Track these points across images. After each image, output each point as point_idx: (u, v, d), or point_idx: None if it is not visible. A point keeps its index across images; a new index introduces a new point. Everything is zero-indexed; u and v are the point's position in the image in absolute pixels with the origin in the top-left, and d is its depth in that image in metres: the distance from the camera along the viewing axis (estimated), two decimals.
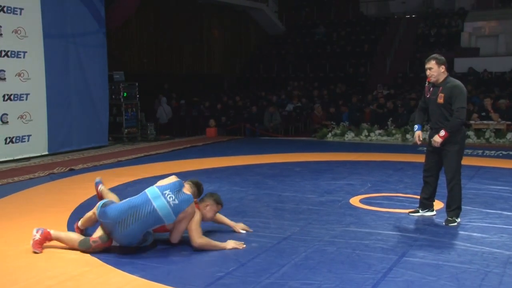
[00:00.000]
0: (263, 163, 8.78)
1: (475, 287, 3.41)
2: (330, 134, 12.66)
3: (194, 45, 18.52)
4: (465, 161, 8.83)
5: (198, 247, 4.13)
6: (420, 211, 5.30)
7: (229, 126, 14.30)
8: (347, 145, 11.59)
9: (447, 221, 4.97)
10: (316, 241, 4.42)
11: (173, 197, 4.11)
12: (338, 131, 12.68)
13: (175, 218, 4.08)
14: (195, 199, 4.28)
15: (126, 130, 12.08)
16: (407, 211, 5.45)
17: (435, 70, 4.93)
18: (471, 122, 12.12)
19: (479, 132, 11.72)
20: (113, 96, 11.92)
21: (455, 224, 4.92)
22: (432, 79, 4.96)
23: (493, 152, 10.06)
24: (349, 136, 12.44)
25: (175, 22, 17.41)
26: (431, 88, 5.04)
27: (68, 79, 10.37)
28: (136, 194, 4.35)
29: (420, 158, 8.93)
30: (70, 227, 4.80)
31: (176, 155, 10.09)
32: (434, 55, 5.08)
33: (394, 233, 4.68)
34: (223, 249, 4.18)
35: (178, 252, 4.16)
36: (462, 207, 5.12)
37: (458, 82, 4.98)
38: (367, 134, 12.36)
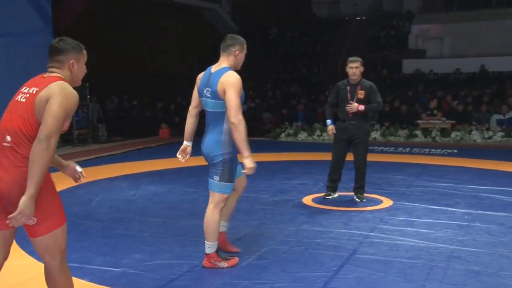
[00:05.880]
0: None
1: (421, 281, 3.54)
2: (283, 134, 12.78)
3: (147, 45, 18.26)
4: (414, 159, 9.21)
5: (237, 124, 3.56)
6: (332, 194, 6.10)
7: (183, 126, 14.17)
8: (300, 145, 11.73)
9: (361, 197, 5.91)
10: (270, 241, 4.46)
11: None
12: (291, 131, 12.82)
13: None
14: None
15: (76, 132, 11.78)
16: (358, 209, 5.59)
17: (360, 70, 5.75)
18: (419, 121, 12.54)
19: (425, 131, 12.14)
20: None
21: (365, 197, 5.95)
22: (356, 77, 5.75)
23: (439, 150, 10.45)
24: (302, 136, 12.60)
25: (127, 23, 17.11)
26: (348, 87, 5.81)
27: (13, 80, 9.95)
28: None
29: (372, 158, 9.19)
30: None
31: (128, 156, 9.93)
32: (357, 57, 5.85)
33: (345, 231, 4.77)
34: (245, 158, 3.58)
35: (129, 255, 4.09)
36: (410, 204, 5.72)
37: (371, 82, 5.94)
38: (319, 134, 12.56)
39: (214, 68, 3.79)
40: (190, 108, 4.03)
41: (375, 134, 12.33)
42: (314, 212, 5.51)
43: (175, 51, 19.68)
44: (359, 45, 19.44)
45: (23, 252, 4.05)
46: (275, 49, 20.38)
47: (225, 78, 3.62)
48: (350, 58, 5.83)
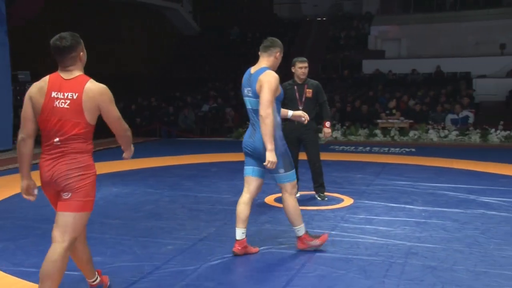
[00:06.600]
0: (180, 164, 8.71)
1: (381, 277, 3.62)
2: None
3: (108, 45, 17.92)
4: (373, 158, 9.40)
5: (264, 116, 3.82)
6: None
7: (144, 127, 14.02)
8: None
9: (322, 196, 6.03)
10: (232, 241, 4.43)
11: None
12: None
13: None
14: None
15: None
16: (320, 208, 5.67)
17: (307, 70, 5.92)
18: (378, 121, 12.81)
19: (385, 131, 12.42)
20: (18, 97, 11.25)
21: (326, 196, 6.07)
22: (305, 77, 5.92)
23: (397, 149, 10.70)
24: None
25: (86, 22, 16.73)
26: (295, 87, 5.92)
27: None
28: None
29: (333, 157, 9.35)
30: None
31: None
32: (303, 57, 6.02)
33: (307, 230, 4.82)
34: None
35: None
36: (370, 202, 5.83)
37: (316, 81, 6.10)
38: None
39: (253, 69, 4.07)
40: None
41: (336, 134, 12.52)
42: (276, 211, 5.55)
43: (136, 51, 19.41)
44: (320, 46, 19.68)
45: None
46: (236, 49, 20.39)
47: (263, 77, 3.92)
48: (299, 58, 5.94)
